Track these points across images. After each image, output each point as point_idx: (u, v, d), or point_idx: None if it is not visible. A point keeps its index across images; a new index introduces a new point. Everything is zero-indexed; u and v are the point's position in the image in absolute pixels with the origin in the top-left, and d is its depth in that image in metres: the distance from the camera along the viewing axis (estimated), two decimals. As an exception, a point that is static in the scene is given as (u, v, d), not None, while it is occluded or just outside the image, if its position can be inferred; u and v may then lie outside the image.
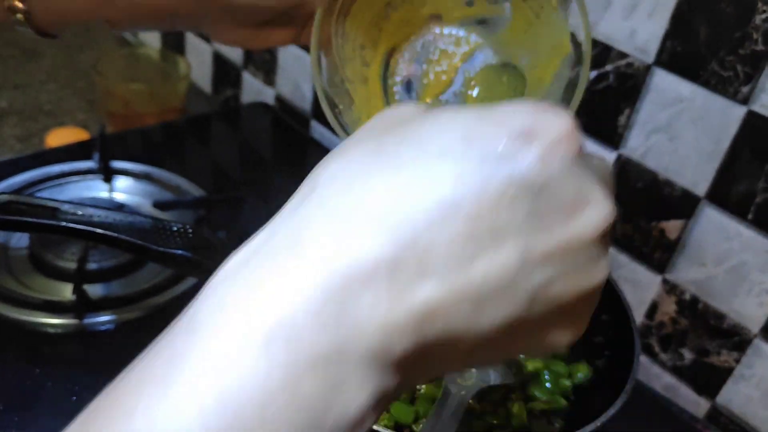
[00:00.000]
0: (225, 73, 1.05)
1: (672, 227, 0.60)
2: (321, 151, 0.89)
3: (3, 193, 0.49)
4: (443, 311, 0.20)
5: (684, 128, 0.57)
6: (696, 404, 0.62)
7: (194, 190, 0.73)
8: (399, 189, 0.21)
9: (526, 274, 0.21)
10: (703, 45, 0.53)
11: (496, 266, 0.20)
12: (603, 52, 0.60)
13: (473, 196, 0.20)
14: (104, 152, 0.73)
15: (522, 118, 0.22)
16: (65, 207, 0.50)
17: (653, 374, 0.64)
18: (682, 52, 0.55)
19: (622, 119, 0.60)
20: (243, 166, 0.86)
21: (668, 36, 0.55)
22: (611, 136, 0.61)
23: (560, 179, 0.22)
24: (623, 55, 0.58)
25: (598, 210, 0.23)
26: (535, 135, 0.22)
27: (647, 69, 0.57)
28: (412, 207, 0.20)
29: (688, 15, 0.54)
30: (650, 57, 0.57)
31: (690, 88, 0.55)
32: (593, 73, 0.61)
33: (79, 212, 0.49)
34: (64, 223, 0.48)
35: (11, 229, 0.52)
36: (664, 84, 0.57)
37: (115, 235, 0.49)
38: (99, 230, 0.49)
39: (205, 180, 0.77)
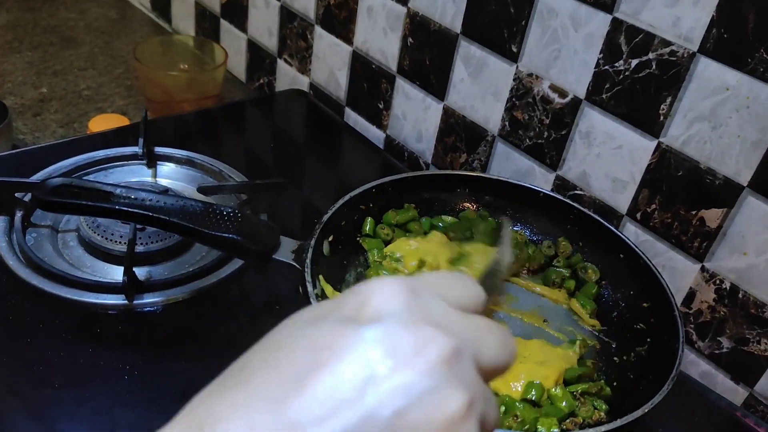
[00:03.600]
0: (260, 60, 1.06)
1: (712, 216, 0.60)
2: (354, 137, 0.90)
3: (57, 176, 0.50)
4: None
5: (728, 117, 0.56)
6: (733, 392, 0.62)
7: (235, 175, 0.74)
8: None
9: (376, 401, 0.22)
10: (751, 32, 0.53)
11: (343, 391, 0.22)
12: (646, 40, 0.59)
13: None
14: (147, 138, 0.74)
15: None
16: (118, 191, 0.51)
17: (690, 361, 0.65)
18: (729, 39, 0.55)
19: (663, 107, 0.60)
20: (279, 152, 0.87)
21: (714, 23, 0.55)
22: (652, 125, 0.61)
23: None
24: (667, 43, 0.58)
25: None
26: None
27: (691, 57, 0.57)
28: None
29: (735, 2, 0.53)
30: (694, 45, 0.57)
31: (736, 76, 0.55)
32: (634, 62, 0.61)
33: (132, 196, 0.51)
34: (118, 207, 0.50)
35: (66, 211, 0.53)
36: (708, 72, 0.57)
37: (167, 218, 0.50)
38: (152, 214, 0.50)
39: (243, 165, 0.78)
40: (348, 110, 0.94)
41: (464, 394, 0.23)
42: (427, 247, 0.59)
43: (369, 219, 0.62)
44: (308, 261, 0.51)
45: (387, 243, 0.62)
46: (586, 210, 0.63)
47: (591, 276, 0.61)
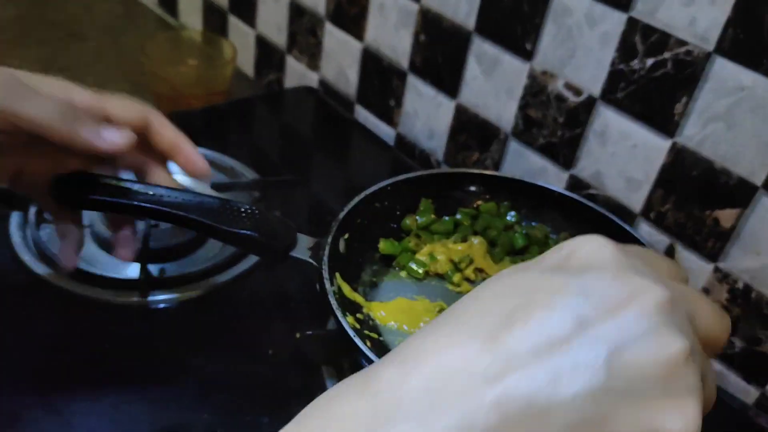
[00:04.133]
0: (268, 56, 1.06)
1: (726, 216, 0.60)
2: (365, 134, 0.90)
3: (73, 172, 0.50)
4: (517, 382, 0.21)
5: (743, 117, 0.56)
6: (745, 392, 0.62)
7: (246, 172, 0.74)
8: None
9: (589, 341, 0.21)
10: (769, 33, 0.53)
11: (555, 329, 0.22)
12: (661, 39, 0.60)
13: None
14: (159, 134, 0.74)
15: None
16: (136, 187, 0.51)
17: (702, 361, 0.65)
18: (745, 39, 0.55)
19: (678, 107, 0.60)
20: (288, 149, 0.87)
21: (730, 23, 0.55)
22: (667, 124, 0.61)
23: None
24: (682, 43, 0.58)
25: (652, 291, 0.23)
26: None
27: (707, 57, 0.57)
28: None
29: (752, 2, 0.53)
30: (710, 45, 0.57)
31: (752, 77, 0.55)
32: (650, 61, 0.61)
33: (150, 192, 0.51)
34: (136, 203, 0.50)
35: (83, 207, 0.53)
36: (724, 72, 0.57)
37: (185, 214, 0.50)
38: (170, 210, 0.50)
39: (253, 162, 0.78)
40: (358, 107, 0.94)
41: (685, 340, 0.21)
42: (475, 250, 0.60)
43: (386, 241, 0.61)
44: (325, 258, 0.52)
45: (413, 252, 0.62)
46: (600, 209, 0.63)
47: None
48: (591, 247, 0.24)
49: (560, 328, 0.21)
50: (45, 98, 0.42)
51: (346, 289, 0.53)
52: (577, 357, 0.21)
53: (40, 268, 0.59)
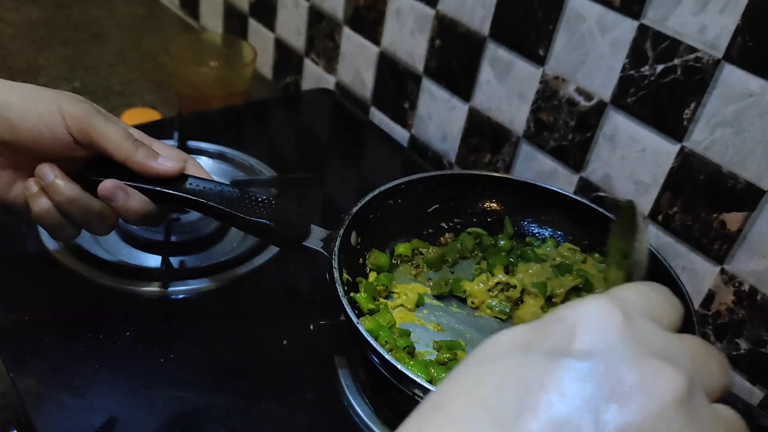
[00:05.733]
0: (287, 59, 1.09)
1: (733, 219, 0.61)
2: (379, 135, 0.92)
3: (99, 158, 0.52)
4: None
5: (751, 122, 0.58)
6: (750, 393, 0.63)
7: (265, 170, 0.77)
8: None
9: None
10: (776, 41, 0.54)
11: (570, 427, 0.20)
12: (671, 46, 0.61)
13: None
14: (182, 132, 0.76)
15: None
16: None
17: (707, 362, 0.66)
18: (754, 47, 0.56)
19: (687, 112, 0.62)
20: (305, 149, 0.89)
21: (739, 31, 0.56)
22: (676, 129, 0.63)
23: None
24: (692, 50, 0.60)
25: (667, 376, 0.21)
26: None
27: (716, 64, 0.59)
28: None
29: (761, 11, 0.55)
30: (720, 52, 0.58)
31: (760, 84, 0.56)
32: (660, 67, 0.62)
33: (174, 179, 0.53)
34: (159, 188, 0.52)
35: None
36: (733, 79, 0.58)
37: (206, 201, 0.52)
38: (191, 197, 0.52)
39: (271, 161, 0.80)
40: (373, 109, 0.96)
41: None
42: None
43: (403, 244, 0.61)
44: (336, 249, 0.53)
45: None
46: (612, 216, 0.63)
47: None
48: (595, 321, 0.22)
49: (576, 426, 0.20)
50: (115, 123, 0.52)
51: (363, 301, 0.55)
52: None
53: (65, 258, 0.62)
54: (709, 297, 0.64)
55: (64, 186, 0.50)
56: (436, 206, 0.66)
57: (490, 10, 0.76)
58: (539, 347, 0.22)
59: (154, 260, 0.64)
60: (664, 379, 0.20)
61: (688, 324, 0.54)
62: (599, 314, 0.22)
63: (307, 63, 1.05)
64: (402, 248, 0.62)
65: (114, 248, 0.65)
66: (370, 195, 0.60)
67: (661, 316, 0.24)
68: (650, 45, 0.63)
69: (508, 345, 0.23)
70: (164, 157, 0.52)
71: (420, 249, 0.63)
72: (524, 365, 0.21)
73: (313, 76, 1.05)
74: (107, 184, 0.50)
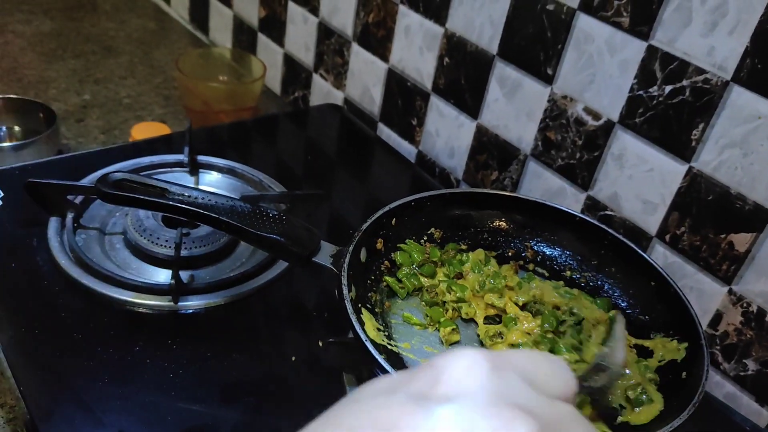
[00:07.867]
0: (296, 74, 1.09)
1: (741, 240, 0.61)
2: (387, 151, 0.93)
3: (118, 171, 0.53)
4: None
5: (759, 144, 0.58)
6: (758, 414, 0.63)
7: (274, 185, 0.77)
8: None
9: None
10: (785, 64, 0.55)
11: None
12: (680, 67, 0.61)
13: None
14: (192, 146, 0.77)
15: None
16: (173, 188, 0.54)
17: (715, 383, 0.66)
18: (762, 69, 0.56)
19: (696, 133, 0.62)
20: (313, 164, 0.90)
21: (748, 53, 0.57)
22: (684, 150, 0.63)
23: None
24: (700, 71, 0.60)
25: None
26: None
27: (725, 85, 0.59)
28: None
29: (769, 35, 0.55)
30: (728, 74, 0.59)
31: (768, 106, 0.57)
32: (668, 88, 0.63)
33: (186, 193, 0.53)
34: (172, 202, 0.52)
35: (123, 203, 0.56)
36: (741, 100, 0.58)
37: (218, 216, 0.52)
38: (203, 211, 0.52)
39: (279, 176, 0.80)
40: (381, 125, 0.97)
41: None
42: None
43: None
44: (345, 265, 0.54)
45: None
46: (620, 237, 0.62)
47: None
48: (461, 368, 0.22)
49: None
50: None
51: (371, 329, 0.54)
52: None
53: (75, 272, 0.62)
54: (717, 317, 0.64)
55: None
56: (444, 224, 0.66)
57: (498, 29, 0.76)
58: (404, 390, 0.23)
59: (162, 274, 0.65)
60: (513, 427, 0.21)
61: (696, 347, 0.54)
62: (468, 361, 0.23)
63: (316, 78, 1.06)
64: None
65: (122, 262, 0.66)
66: (380, 212, 0.60)
67: (542, 382, 0.24)
68: (659, 66, 0.63)
69: (380, 388, 0.23)
70: None
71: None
72: (384, 407, 0.22)
73: (322, 91, 1.05)
74: None
